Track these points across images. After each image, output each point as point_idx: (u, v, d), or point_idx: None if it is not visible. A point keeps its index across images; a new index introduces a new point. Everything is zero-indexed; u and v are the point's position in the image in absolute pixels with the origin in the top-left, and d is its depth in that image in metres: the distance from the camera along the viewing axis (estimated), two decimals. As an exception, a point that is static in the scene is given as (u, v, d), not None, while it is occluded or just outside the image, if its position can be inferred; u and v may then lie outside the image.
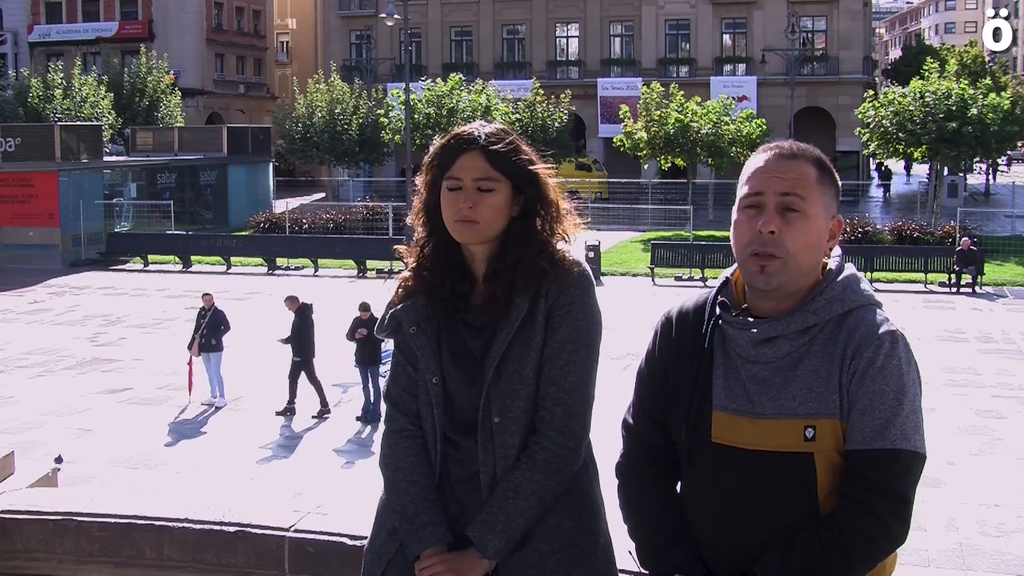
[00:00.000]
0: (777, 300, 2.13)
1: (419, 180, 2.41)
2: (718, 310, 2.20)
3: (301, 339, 13.90)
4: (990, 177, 51.82)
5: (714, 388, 2.15)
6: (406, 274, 2.44)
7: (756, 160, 2.15)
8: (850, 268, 2.16)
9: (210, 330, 14.16)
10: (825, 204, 2.11)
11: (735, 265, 2.21)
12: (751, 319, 2.14)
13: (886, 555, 2.06)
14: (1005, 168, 59.85)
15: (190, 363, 14.33)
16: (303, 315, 14.07)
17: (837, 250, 2.20)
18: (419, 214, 2.41)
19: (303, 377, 13.92)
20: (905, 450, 2.00)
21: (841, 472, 2.05)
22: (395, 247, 2.50)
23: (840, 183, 2.21)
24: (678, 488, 2.28)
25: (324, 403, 13.93)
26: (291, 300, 14.30)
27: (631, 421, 2.31)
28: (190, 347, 14.41)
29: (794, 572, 2.02)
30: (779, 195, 2.08)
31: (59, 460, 10.80)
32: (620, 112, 38.60)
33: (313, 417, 13.86)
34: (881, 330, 2.05)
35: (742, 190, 2.14)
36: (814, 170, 2.11)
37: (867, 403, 2.01)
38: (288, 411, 13.85)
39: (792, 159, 2.11)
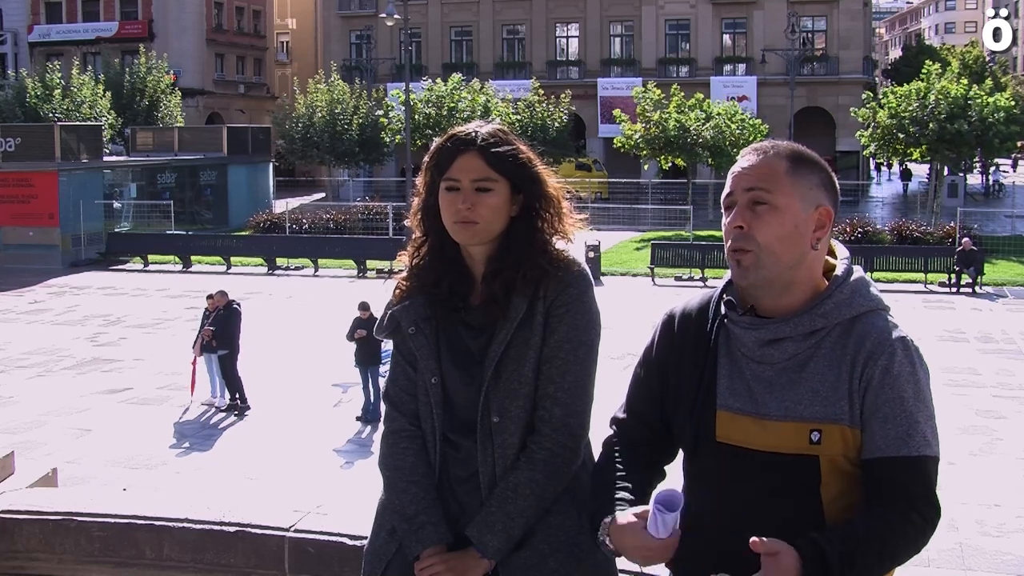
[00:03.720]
0: (774, 297, 2.13)
1: (419, 181, 2.42)
2: (723, 309, 2.20)
3: (227, 333, 13.97)
4: (988, 177, 51.84)
5: (718, 387, 2.15)
6: (405, 275, 2.45)
7: (735, 164, 2.19)
8: (858, 272, 2.16)
9: (219, 330, 14.14)
10: (801, 195, 2.10)
11: None
12: (757, 319, 2.15)
13: (912, 554, 2.06)
14: (1009, 169, 59.71)
15: (194, 363, 14.32)
16: (230, 309, 14.17)
17: (845, 252, 2.20)
18: (417, 215, 2.41)
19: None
20: (931, 457, 2.03)
21: (847, 477, 2.05)
22: (399, 253, 2.50)
23: (835, 178, 2.20)
24: (658, 478, 2.26)
25: (242, 399, 13.98)
26: (221, 295, 14.41)
27: (620, 416, 2.31)
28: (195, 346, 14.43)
29: (850, 549, 1.95)
30: (745, 191, 2.10)
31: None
32: (615, 116, 38.51)
33: (222, 410, 13.90)
34: (893, 336, 2.06)
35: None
36: (785, 163, 2.11)
37: (888, 411, 2.02)
38: (232, 407, 13.92)
39: (762, 155, 2.13)
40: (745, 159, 2.15)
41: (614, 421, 2.32)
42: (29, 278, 26.38)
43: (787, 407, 2.07)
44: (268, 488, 11.02)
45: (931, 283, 24.55)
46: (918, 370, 2.05)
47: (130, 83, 45.15)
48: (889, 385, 2.02)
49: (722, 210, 2.17)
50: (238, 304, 14.52)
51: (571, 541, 2.30)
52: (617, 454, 2.24)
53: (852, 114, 35.55)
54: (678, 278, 25.63)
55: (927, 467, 2.02)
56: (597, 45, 51.43)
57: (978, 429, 12.89)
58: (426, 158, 2.40)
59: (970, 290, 23.76)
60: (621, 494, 2.15)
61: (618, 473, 2.20)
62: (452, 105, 38.97)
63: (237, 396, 14.00)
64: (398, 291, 2.44)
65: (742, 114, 38.04)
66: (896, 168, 58.68)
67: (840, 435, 2.04)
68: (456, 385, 2.35)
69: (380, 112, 41.57)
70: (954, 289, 23.90)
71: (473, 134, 2.32)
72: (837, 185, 2.20)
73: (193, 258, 29.17)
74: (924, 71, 34.77)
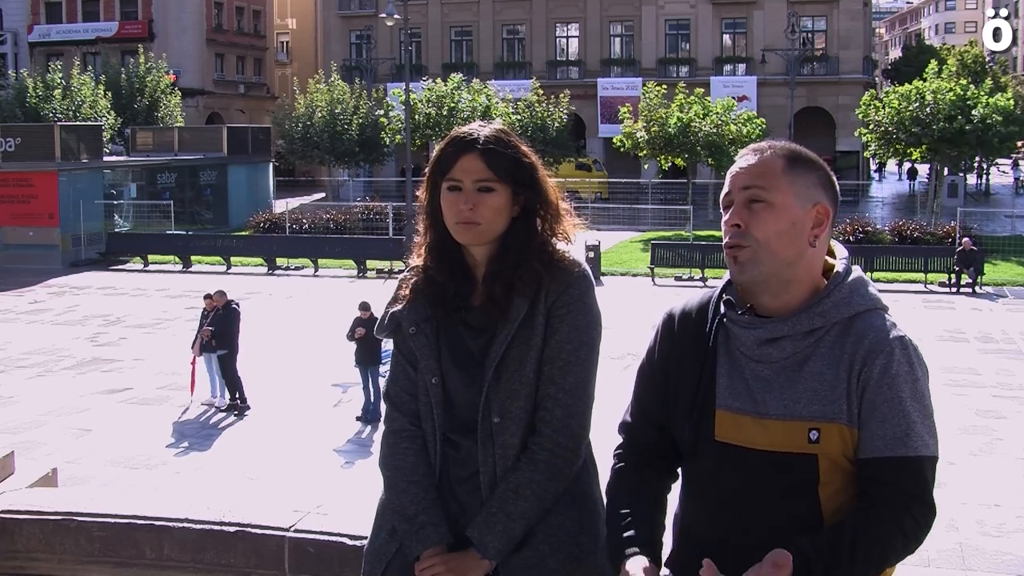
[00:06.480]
0: (772, 295, 2.13)
1: (421, 187, 2.43)
2: (723, 308, 2.20)
3: (226, 333, 13.99)
4: (988, 177, 51.89)
5: (717, 386, 2.16)
6: (407, 275, 2.45)
7: (733, 164, 2.20)
8: (857, 271, 2.17)
9: (218, 329, 14.13)
10: (798, 192, 2.11)
11: None
12: (756, 318, 2.15)
13: (905, 556, 2.07)
14: (1009, 169, 59.70)
15: (193, 363, 14.32)
16: (228, 309, 14.20)
17: (844, 252, 2.21)
18: (422, 217, 2.43)
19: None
20: (929, 457, 2.03)
21: (845, 476, 2.05)
22: (406, 257, 2.52)
23: (834, 176, 2.20)
24: (676, 488, 2.28)
25: (242, 398, 14.01)
26: (219, 295, 14.44)
27: (628, 420, 2.32)
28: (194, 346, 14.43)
29: (836, 554, 1.98)
30: (742, 190, 2.12)
31: None
32: (620, 113, 38.62)
33: (222, 410, 13.93)
34: (891, 336, 2.06)
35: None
36: (782, 161, 2.13)
37: (886, 411, 2.02)
38: (232, 407, 13.94)
39: (759, 154, 2.15)
40: (743, 159, 2.16)
41: (623, 427, 2.32)
42: (29, 278, 26.39)
43: (786, 406, 2.07)
44: (268, 488, 11.02)
45: (931, 283, 24.55)
46: (916, 370, 2.05)
47: (130, 83, 45.13)
48: (887, 385, 2.03)
49: (721, 210, 2.18)
50: (236, 304, 14.53)
51: (571, 541, 2.30)
52: (628, 491, 2.24)
53: (859, 112, 35.49)
54: (678, 278, 25.63)
55: (924, 467, 2.02)
56: (597, 45, 51.41)
57: (978, 429, 12.89)
58: (430, 160, 2.41)
59: (970, 290, 23.76)
60: (629, 532, 2.15)
61: (631, 509, 2.19)
62: (452, 105, 38.95)
63: (237, 396, 14.01)
64: (400, 291, 2.44)
65: (746, 112, 37.97)
66: (895, 168, 58.80)
67: (839, 434, 2.04)
68: (456, 385, 2.36)
69: (380, 112, 41.56)
70: (954, 289, 23.90)
71: (475, 135, 2.33)
72: (836, 184, 2.20)
73: (193, 258, 29.18)
74: (925, 73, 34.72)
